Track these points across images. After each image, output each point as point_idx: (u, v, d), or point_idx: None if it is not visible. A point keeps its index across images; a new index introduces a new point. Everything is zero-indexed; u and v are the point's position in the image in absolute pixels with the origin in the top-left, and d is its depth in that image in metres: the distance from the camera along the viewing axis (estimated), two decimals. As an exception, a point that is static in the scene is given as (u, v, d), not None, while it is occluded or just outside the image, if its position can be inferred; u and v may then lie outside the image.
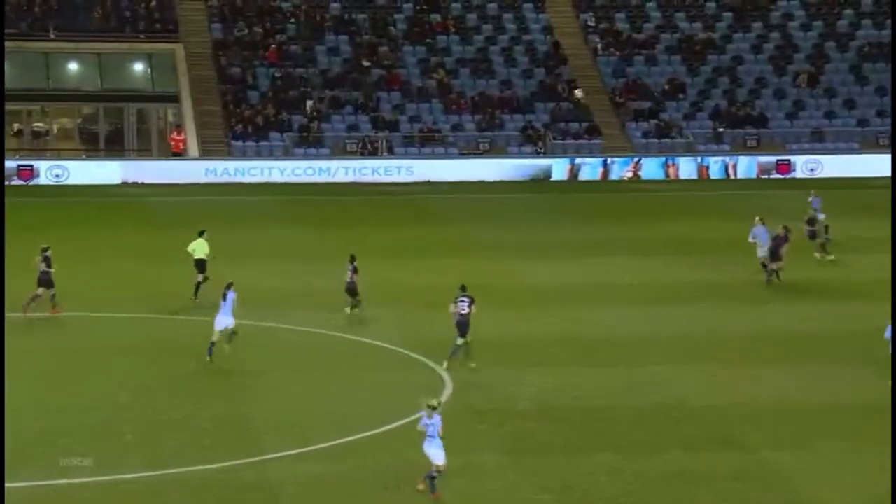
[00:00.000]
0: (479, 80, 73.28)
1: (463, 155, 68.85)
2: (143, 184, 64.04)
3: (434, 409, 23.72)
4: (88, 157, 68.97)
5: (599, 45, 75.83)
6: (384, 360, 33.38)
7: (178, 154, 67.31)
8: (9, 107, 70.94)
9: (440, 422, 23.74)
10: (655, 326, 36.71)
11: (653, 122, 71.77)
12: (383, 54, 73.63)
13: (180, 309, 37.72)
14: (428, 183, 65.55)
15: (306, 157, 67.45)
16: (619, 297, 40.26)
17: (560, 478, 24.96)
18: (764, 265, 41.47)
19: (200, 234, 39.89)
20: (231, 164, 65.81)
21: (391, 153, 68.44)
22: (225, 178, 64.89)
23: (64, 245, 46.74)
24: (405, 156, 68.17)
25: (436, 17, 75.86)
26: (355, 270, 36.84)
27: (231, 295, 32.77)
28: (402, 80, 72.58)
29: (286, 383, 31.04)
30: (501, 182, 66.20)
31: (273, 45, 72.89)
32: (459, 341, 31.85)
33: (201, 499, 23.70)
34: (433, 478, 23.67)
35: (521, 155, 68.82)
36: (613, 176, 67.72)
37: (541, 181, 66.74)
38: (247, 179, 64.89)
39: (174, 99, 70.33)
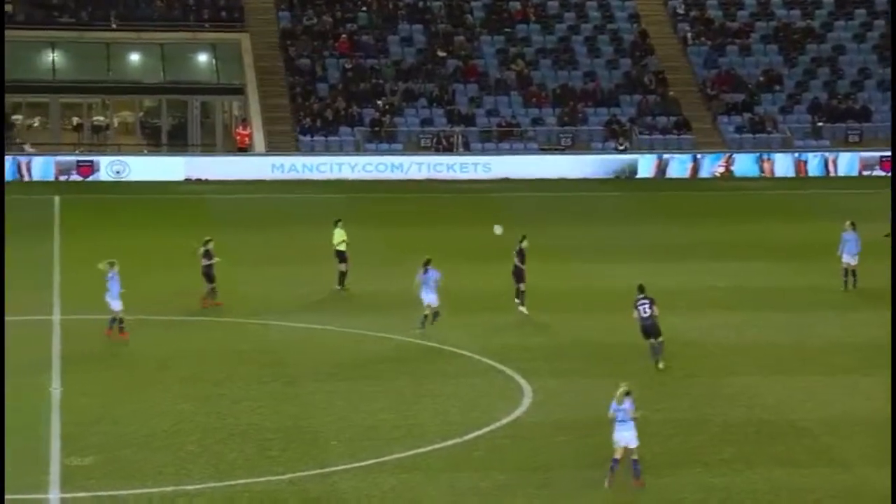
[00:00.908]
0: (561, 72, 73.30)
1: (543, 151, 68.91)
2: (206, 181, 64.73)
3: (627, 394, 25.05)
4: (150, 153, 69.80)
5: (689, 34, 75.55)
6: (459, 367, 33.59)
7: (244, 149, 67.95)
8: (68, 99, 72.04)
9: (632, 404, 24.95)
10: (744, 334, 36.63)
11: (746, 116, 71.43)
12: (459, 44, 73.84)
13: (248, 312, 38.14)
14: (506, 180, 65.70)
15: (378, 152, 67.79)
16: (705, 302, 40.19)
17: (645, 494, 25.02)
18: (848, 272, 40.99)
19: (336, 224, 41.94)
20: (299, 160, 66.32)
21: (467, 149, 68.62)
22: (292, 175, 65.42)
23: (123, 244, 47.48)
24: (482, 152, 68.33)
25: (515, 5, 75.97)
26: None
27: (433, 273, 34.98)
28: (480, 72, 72.76)
29: (356, 391, 31.32)
30: (584, 180, 66.20)
31: (344, 35, 73.36)
32: (653, 341, 32.59)
33: (268, 511, 24.05)
34: (634, 462, 24.83)
35: (604, 151, 68.77)
36: (704, 173, 67.51)
37: (625, 179, 66.69)
38: (315, 176, 65.37)
39: (240, 91, 70.98)
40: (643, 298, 32.75)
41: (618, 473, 24.98)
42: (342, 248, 41.84)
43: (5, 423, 28.38)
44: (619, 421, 25.08)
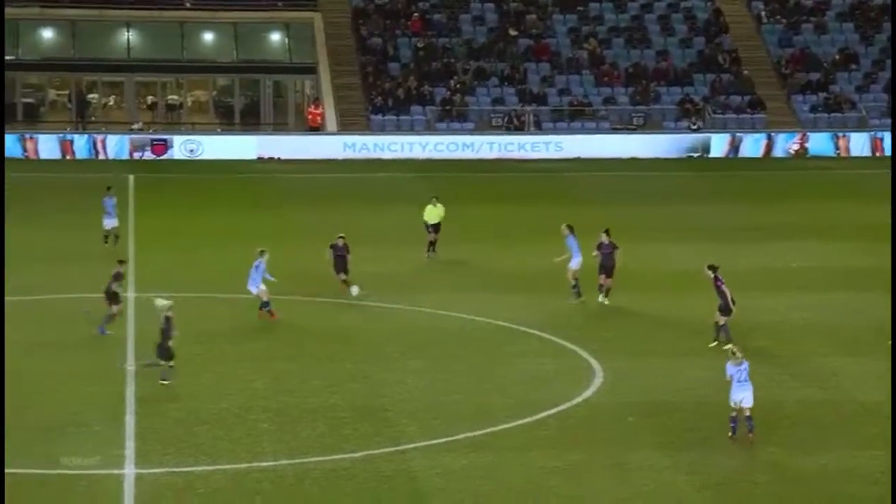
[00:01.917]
0: (634, 51, 72.95)
1: (615, 130, 68.64)
2: (278, 159, 65.04)
3: (738, 356, 26.42)
4: (223, 132, 70.24)
5: (764, 13, 74.93)
6: (530, 346, 33.58)
7: (316, 128, 68.21)
8: (142, 78, 72.68)
9: (748, 366, 26.17)
10: (820, 315, 36.34)
11: (822, 95, 70.76)
12: (531, 23, 73.65)
13: (319, 291, 38.28)
14: (577, 160, 65.51)
15: (449, 131, 67.82)
16: (780, 283, 39.93)
17: (718, 474, 24.94)
18: None
19: (434, 200, 43.34)
20: (370, 139, 66.50)
21: (538, 128, 68.52)
22: (363, 154, 65.61)
23: (196, 223, 47.87)
24: (553, 131, 68.21)
25: (588, -17, 75.70)
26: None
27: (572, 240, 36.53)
28: (552, 51, 72.55)
29: (427, 370, 31.40)
30: (656, 159, 65.89)
31: (416, 14, 73.40)
32: (722, 321, 32.59)
33: (341, 488, 24.15)
34: (748, 418, 26.17)
35: (677, 130, 68.39)
36: (777, 152, 66.97)
37: (698, 158, 66.30)
38: (386, 155, 65.52)
39: (312, 70, 71.25)
40: (719, 277, 32.66)
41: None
42: (437, 221, 43.16)
43: (80, 398, 28.76)
44: (738, 382, 26.36)
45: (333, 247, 37.23)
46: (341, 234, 37.64)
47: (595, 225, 40.09)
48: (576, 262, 37.18)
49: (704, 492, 24.18)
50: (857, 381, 30.74)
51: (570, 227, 37.48)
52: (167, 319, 30.24)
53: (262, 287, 35.29)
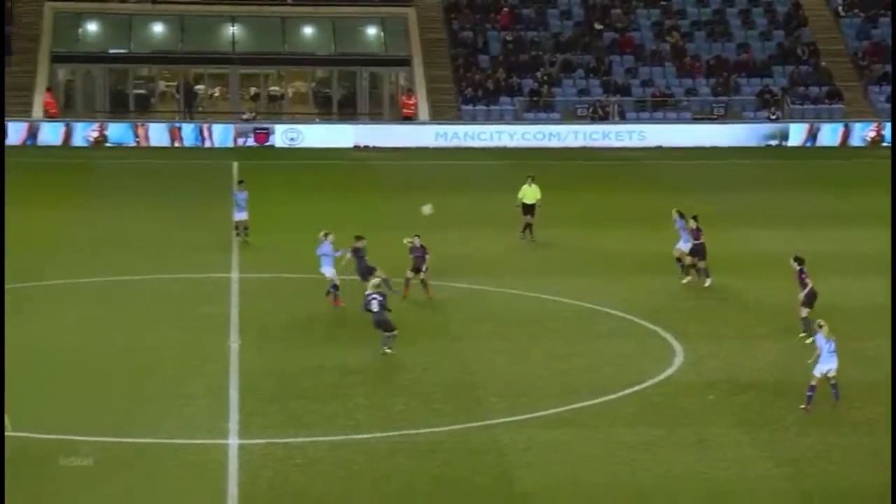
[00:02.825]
0: (715, 43, 72.29)
1: (696, 120, 68.11)
2: (374, 147, 65.23)
3: (826, 329, 26.99)
4: (322, 121, 70.55)
5: (842, 6, 73.90)
6: (613, 327, 33.45)
7: (409, 118, 68.30)
8: (246, 70, 73.13)
9: (835, 340, 26.84)
10: (883, 298, 35.85)
11: (898, 86, 69.71)
12: (616, 17, 73.24)
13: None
14: (659, 149, 65.09)
15: (536, 121, 67.67)
16: (854, 266, 39.41)
17: (794, 451, 24.72)
18: None
19: (530, 180, 43.47)
20: (461, 129, 66.48)
21: (622, 118, 68.14)
22: (454, 143, 65.60)
23: (296, 208, 48.15)
24: (637, 121, 67.80)
25: (671, -21, 75.10)
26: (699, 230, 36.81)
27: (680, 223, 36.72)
28: (635, 44, 72.11)
29: (514, 349, 31.38)
30: (736, 148, 65.29)
31: (505, 9, 73.25)
32: (805, 312, 31.87)
33: (431, 460, 24.21)
34: (834, 386, 26.89)
35: (756, 120, 67.73)
36: (855, 141, 66.05)
37: (777, 147, 65.59)
38: (476, 144, 65.47)
39: (406, 63, 71.34)
40: (804, 269, 32.05)
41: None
42: (532, 202, 43.29)
43: (186, 372, 29.08)
44: (829, 353, 26.81)
45: (412, 248, 35.54)
46: (417, 234, 36.52)
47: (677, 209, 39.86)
48: (684, 245, 37.10)
49: (781, 468, 23.98)
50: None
51: (680, 213, 37.39)
52: (379, 293, 30.49)
53: (334, 270, 34.85)
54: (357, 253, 34.93)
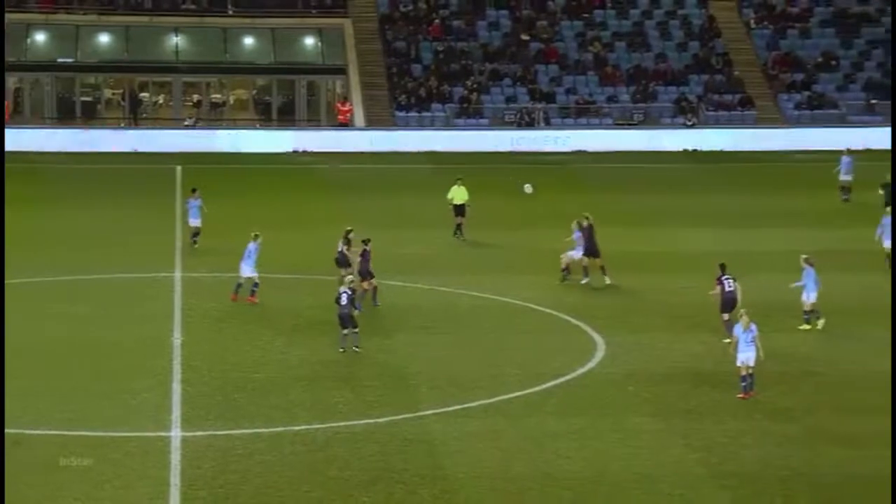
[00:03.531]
0: (635, 54, 72.72)
1: (617, 126, 68.46)
2: (311, 152, 65.02)
3: (746, 320, 26.96)
4: (262, 127, 70.23)
5: (753, 19, 74.62)
6: (539, 322, 33.56)
7: (345, 124, 68.15)
8: (189, 79, 72.70)
9: (756, 332, 26.82)
10: (792, 293, 36.21)
11: (805, 93, 70.46)
12: (541, 28, 73.49)
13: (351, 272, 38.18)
14: (582, 153, 65.37)
15: (466, 127, 67.72)
16: (768, 264, 39.72)
17: (708, 438, 24.89)
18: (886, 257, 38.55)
19: (458, 182, 43.53)
20: (394, 134, 66.39)
21: (548, 124, 68.36)
22: (388, 148, 65.51)
23: (236, 210, 47.88)
24: (561, 126, 68.03)
25: (593, -8, 75.46)
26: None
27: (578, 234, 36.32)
28: (560, 54, 72.39)
29: (444, 343, 31.39)
30: (654, 152, 65.70)
31: (436, 20, 73.29)
32: (727, 316, 31.21)
33: (366, 450, 24.16)
34: (751, 377, 26.89)
35: (673, 126, 68.18)
36: (765, 146, 66.56)
37: (693, 151, 66.06)
38: (409, 149, 65.41)
39: (342, 71, 71.21)
40: (727, 276, 31.85)
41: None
42: (462, 202, 43.30)
43: (131, 367, 28.84)
44: (745, 343, 26.85)
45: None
46: (349, 228, 35.98)
47: (599, 211, 40.02)
48: (577, 253, 36.97)
49: (696, 454, 24.15)
50: (836, 352, 30.65)
51: (580, 223, 37.16)
52: (350, 289, 30.31)
53: (255, 271, 34.59)
54: (364, 255, 34.36)
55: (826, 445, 24.58)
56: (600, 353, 30.52)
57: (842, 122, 68.72)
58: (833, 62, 72.29)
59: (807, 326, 32.31)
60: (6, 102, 65.95)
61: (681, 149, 66.38)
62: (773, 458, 23.98)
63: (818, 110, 69.72)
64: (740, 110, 69.86)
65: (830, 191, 51.95)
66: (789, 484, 22.82)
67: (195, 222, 41.56)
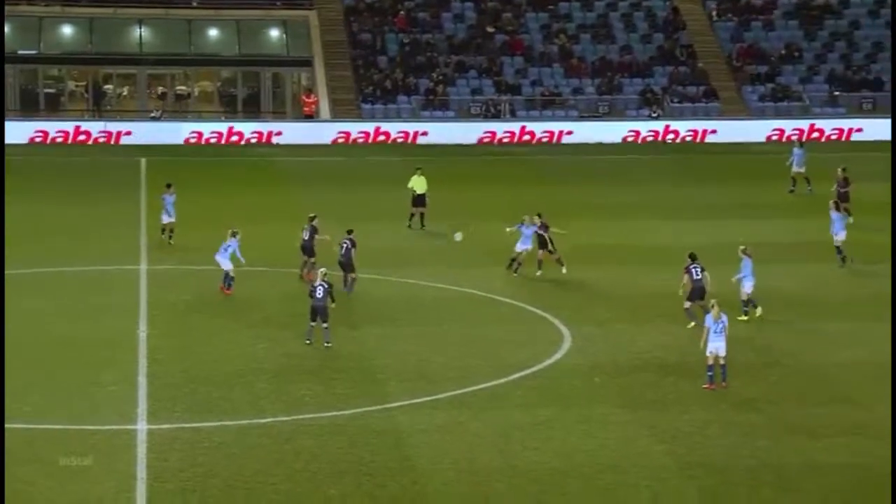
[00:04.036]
0: (600, 45, 72.83)
1: (583, 118, 68.58)
2: (277, 145, 64.79)
3: (717, 310, 27.10)
4: (227, 119, 69.96)
5: (716, 11, 74.87)
6: (506, 314, 33.60)
7: (311, 116, 67.98)
8: (153, 71, 72.32)
9: (726, 322, 26.96)
10: (773, 283, 36.39)
11: (769, 85, 70.78)
12: (507, 20, 73.47)
13: (323, 263, 38.10)
14: (548, 145, 65.44)
15: (432, 119, 67.67)
16: (732, 256, 39.85)
17: (674, 428, 25.00)
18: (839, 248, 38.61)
19: (417, 171, 43.72)
20: (360, 126, 66.27)
21: (513, 116, 68.41)
22: (354, 140, 65.35)
23: (202, 200, 47.66)
24: (526, 118, 68.06)
25: (558, -16, 75.48)
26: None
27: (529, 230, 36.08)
28: (525, 46, 72.41)
29: (411, 335, 31.39)
30: (619, 144, 65.85)
31: (402, 12, 73.16)
32: (699, 303, 31.43)
33: (333, 442, 24.15)
34: (723, 367, 26.96)
35: (639, 118, 68.35)
36: (728, 137, 66.80)
37: (657, 143, 66.26)
38: (374, 141, 65.28)
39: (308, 63, 71.00)
40: (695, 265, 32.05)
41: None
42: (422, 192, 43.41)
43: (97, 361, 28.71)
44: (715, 333, 26.88)
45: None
46: (312, 215, 36.41)
47: (566, 203, 40.21)
48: (521, 247, 36.92)
49: (662, 444, 24.25)
50: (797, 343, 30.83)
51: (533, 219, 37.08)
52: (325, 282, 30.25)
53: (231, 264, 34.64)
54: (345, 246, 34.79)
55: (791, 435, 24.73)
56: (566, 345, 30.59)
57: (805, 113, 69.05)
58: (797, 54, 72.64)
59: (744, 318, 32.35)
60: None
61: (646, 140, 66.52)
62: (739, 447, 24.11)
63: (782, 102, 70.04)
64: (705, 102, 70.09)
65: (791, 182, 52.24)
66: (755, 473, 22.95)
67: (168, 219, 40.53)
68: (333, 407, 26.05)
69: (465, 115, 68.34)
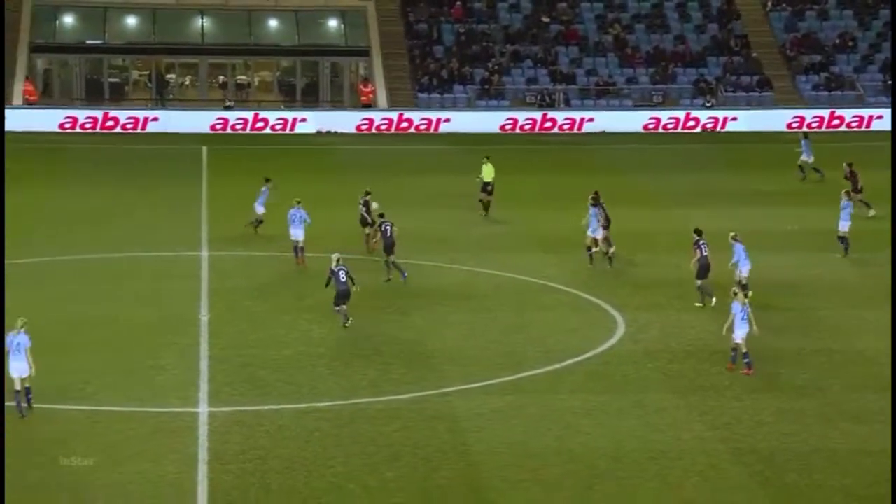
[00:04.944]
0: (654, 35, 72.47)
1: (637, 107, 68.27)
2: (335, 133, 65.02)
3: (741, 297, 27.18)
4: (286, 108, 70.25)
5: (771, 1, 74.26)
6: (559, 300, 33.56)
7: (368, 105, 68.12)
8: (214, 60, 72.74)
9: (749, 309, 27.03)
10: (816, 272, 36.12)
11: (823, 75, 70.13)
12: (562, 10, 73.27)
13: (378, 250, 38.25)
14: (602, 133, 65.23)
15: (488, 108, 67.63)
16: (782, 243, 39.65)
17: (727, 414, 24.91)
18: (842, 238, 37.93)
19: (486, 159, 44.20)
20: (417, 115, 66.34)
21: (568, 105, 68.23)
22: (411, 128, 65.45)
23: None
24: (581, 107, 67.86)
25: (613, -25, 75.16)
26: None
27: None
28: (580, 35, 72.18)
29: (466, 321, 31.42)
30: (673, 133, 65.49)
31: (458, 2, 73.12)
32: (699, 282, 32.08)
33: (390, 426, 24.24)
34: (745, 354, 26.90)
35: (692, 107, 67.94)
36: (782, 126, 66.31)
37: (711, 132, 65.85)
38: (431, 129, 65.33)
39: (365, 53, 71.15)
40: (703, 240, 32.37)
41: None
42: (489, 179, 43.69)
43: (159, 344, 28.99)
44: (741, 320, 26.90)
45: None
46: (368, 190, 38.27)
47: (619, 192, 40.04)
48: (592, 231, 36.75)
49: (715, 431, 24.17)
50: (855, 331, 30.61)
51: (594, 199, 37.10)
52: (344, 266, 30.61)
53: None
54: (384, 231, 35.25)
55: (840, 421, 24.58)
56: (620, 331, 30.53)
57: (859, 102, 68.37)
58: (851, 43, 71.91)
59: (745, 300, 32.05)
60: (30, 86, 66.02)
61: (699, 129, 66.14)
62: (790, 434, 23.99)
63: (836, 91, 69.38)
64: (758, 91, 69.58)
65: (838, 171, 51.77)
66: (806, 459, 22.84)
67: (261, 210, 40.04)
68: (389, 391, 26.15)
69: (520, 104, 68.24)
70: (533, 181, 51.37)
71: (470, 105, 67.95)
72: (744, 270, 32.70)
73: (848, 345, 29.55)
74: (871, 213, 42.97)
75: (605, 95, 69.20)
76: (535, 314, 32.14)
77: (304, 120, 65.19)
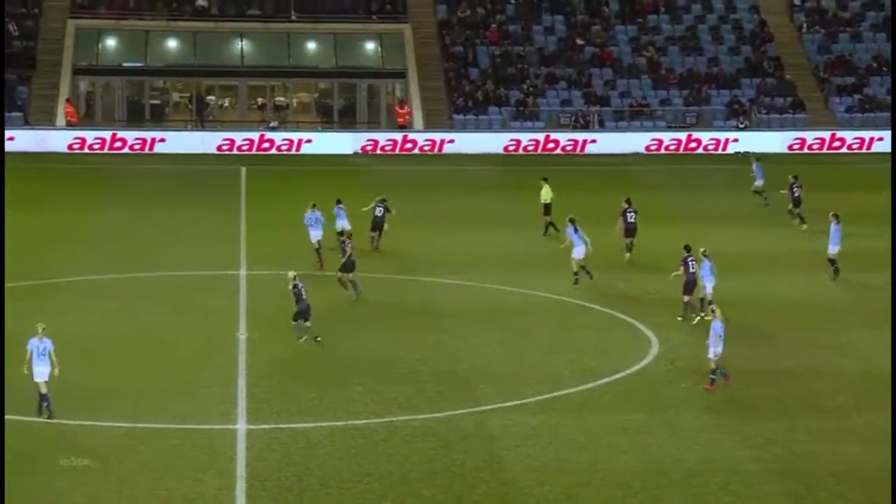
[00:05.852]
0: (688, 57, 72.34)
1: (670, 128, 68.12)
2: (372, 154, 65.14)
3: (718, 314, 27.23)
4: (324, 129, 70.48)
5: (805, 23, 74.01)
6: (593, 320, 33.48)
7: (404, 126, 68.25)
8: (253, 82, 73.08)
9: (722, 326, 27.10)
10: (843, 293, 35.86)
11: (856, 97, 69.80)
12: (596, 33, 73.25)
13: (406, 269, 38.33)
14: (636, 154, 65.10)
15: (523, 129, 67.65)
16: (807, 264, 39.34)
17: (760, 435, 24.75)
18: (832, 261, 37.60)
19: (544, 181, 44.74)
20: (452, 136, 66.40)
21: (602, 126, 68.17)
22: (447, 149, 65.53)
23: (299, 209, 48.08)
24: (615, 129, 67.78)
25: (647, -2, 75.14)
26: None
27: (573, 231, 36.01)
28: (614, 58, 72.13)
29: (501, 341, 31.38)
30: (705, 154, 65.29)
31: (493, 25, 73.24)
32: (689, 298, 32.42)
33: (426, 444, 24.22)
34: (715, 371, 27.10)
35: (726, 129, 67.74)
36: (818, 147, 65.92)
37: (745, 154, 65.60)
38: (467, 150, 65.40)
39: (402, 75, 71.32)
40: (692, 258, 32.50)
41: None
42: (548, 201, 44.25)
43: (198, 362, 29.05)
44: (720, 337, 27.04)
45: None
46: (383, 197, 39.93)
47: (655, 211, 39.87)
48: (577, 252, 36.55)
49: (749, 450, 24.03)
50: (878, 350, 30.38)
51: (572, 220, 36.96)
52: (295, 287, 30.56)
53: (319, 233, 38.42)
54: (344, 247, 35.34)
55: (875, 442, 24.36)
56: (654, 351, 30.41)
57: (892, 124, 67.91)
58: (884, 67, 71.55)
59: (702, 316, 32.12)
60: (71, 107, 66.49)
61: (732, 151, 65.91)
62: (824, 454, 23.81)
63: (868, 113, 69.02)
64: (791, 113, 69.31)
65: (877, 192, 51.48)
66: (839, 479, 22.66)
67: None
68: (425, 409, 26.13)
69: (554, 125, 68.20)
70: (564, 201, 51.14)
71: (505, 126, 67.98)
72: (708, 287, 32.73)
73: (885, 367, 29.29)
74: (804, 227, 43.11)
75: (638, 117, 69.10)
76: (570, 333, 32.06)
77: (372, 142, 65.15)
